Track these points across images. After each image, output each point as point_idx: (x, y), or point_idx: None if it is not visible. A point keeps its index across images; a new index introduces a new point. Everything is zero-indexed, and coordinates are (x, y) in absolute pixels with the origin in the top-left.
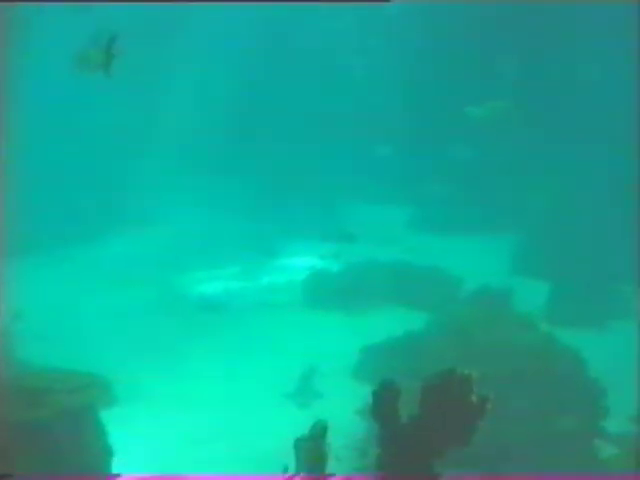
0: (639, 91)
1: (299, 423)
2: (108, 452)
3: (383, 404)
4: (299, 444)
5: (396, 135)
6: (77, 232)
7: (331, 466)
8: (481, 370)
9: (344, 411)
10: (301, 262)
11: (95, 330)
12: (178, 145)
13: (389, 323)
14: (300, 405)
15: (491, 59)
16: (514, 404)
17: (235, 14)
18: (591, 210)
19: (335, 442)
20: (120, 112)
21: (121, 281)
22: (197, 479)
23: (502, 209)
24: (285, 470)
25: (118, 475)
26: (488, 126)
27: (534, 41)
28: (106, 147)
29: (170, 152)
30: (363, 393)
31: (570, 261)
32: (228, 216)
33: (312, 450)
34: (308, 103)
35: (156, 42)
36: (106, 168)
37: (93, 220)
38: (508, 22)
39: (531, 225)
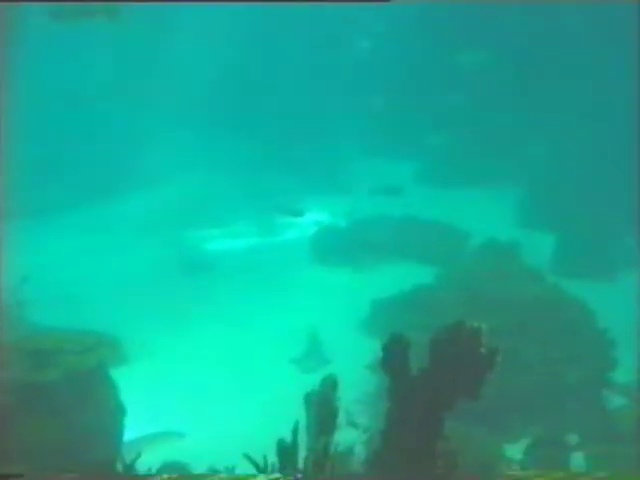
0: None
1: (307, 381)
2: (119, 411)
3: (393, 357)
4: (309, 398)
5: (392, 87)
6: (83, 194)
7: (341, 420)
8: (489, 322)
9: (354, 366)
10: (308, 218)
11: (104, 290)
12: (183, 103)
13: (398, 277)
14: (309, 363)
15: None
16: (522, 356)
17: None
18: (594, 161)
19: (345, 396)
20: (122, 70)
21: (128, 241)
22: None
23: (506, 162)
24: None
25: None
26: (481, 75)
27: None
28: (110, 107)
29: (176, 110)
30: (373, 348)
31: (575, 212)
32: (234, 174)
33: (322, 404)
34: (309, 60)
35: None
36: (110, 128)
37: (99, 181)
38: None
39: (535, 177)
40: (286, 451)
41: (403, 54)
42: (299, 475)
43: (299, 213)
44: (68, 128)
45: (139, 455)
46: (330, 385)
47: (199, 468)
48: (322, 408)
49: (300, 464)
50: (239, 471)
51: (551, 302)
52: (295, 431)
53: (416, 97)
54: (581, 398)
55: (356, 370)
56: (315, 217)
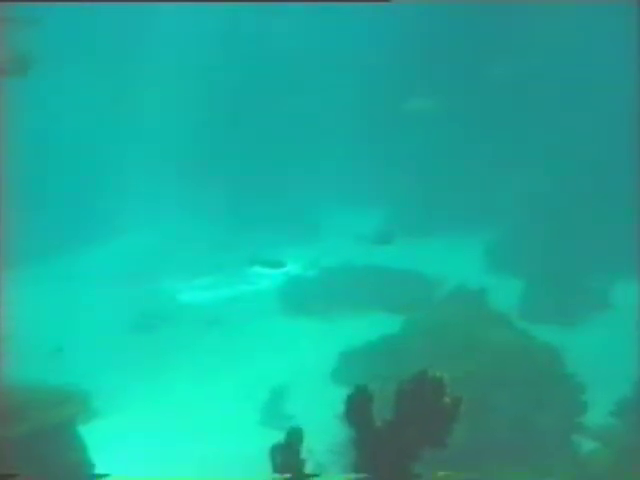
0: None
1: (275, 433)
2: (88, 465)
3: (356, 409)
4: (275, 451)
5: (356, 135)
6: (50, 245)
7: (311, 471)
8: (459, 369)
9: (325, 416)
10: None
11: (73, 343)
12: (155, 153)
13: (367, 326)
14: (278, 415)
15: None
16: (493, 402)
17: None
18: (558, 203)
19: (316, 447)
20: (90, 120)
21: (97, 292)
22: None
23: (472, 208)
24: None
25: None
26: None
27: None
28: (82, 158)
29: (148, 160)
30: (343, 398)
31: (542, 256)
32: (204, 225)
33: (288, 456)
34: (275, 112)
35: (132, 45)
36: (82, 178)
37: (68, 231)
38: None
39: (502, 223)
40: None
41: (366, 99)
42: None
43: (280, 265)
44: (36, 178)
45: None
46: (296, 436)
47: None
48: (288, 460)
49: None
50: None
51: (520, 347)
52: None
53: (381, 145)
54: (552, 443)
55: (326, 420)
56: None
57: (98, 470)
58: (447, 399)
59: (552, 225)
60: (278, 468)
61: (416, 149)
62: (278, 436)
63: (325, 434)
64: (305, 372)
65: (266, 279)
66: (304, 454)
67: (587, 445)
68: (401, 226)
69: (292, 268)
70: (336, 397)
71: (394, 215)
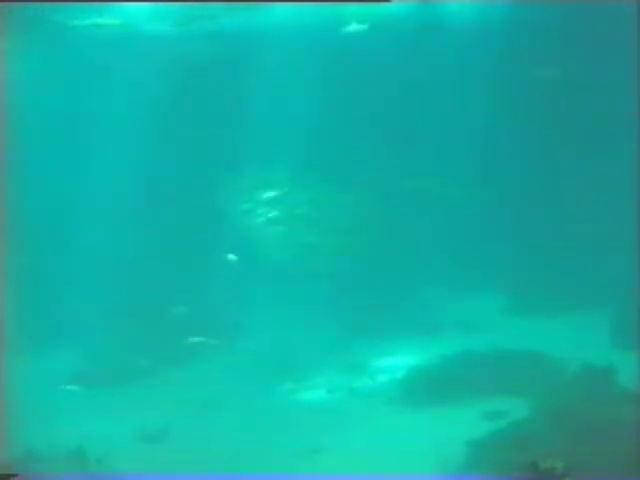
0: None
1: None
2: None
3: None
4: None
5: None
6: (168, 353)
7: None
8: (593, 451)
9: None
10: (397, 360)
11: (192, 451)
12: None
13: (492, 413)
14: None
15: None
16: None
17: None
18: None
19: None
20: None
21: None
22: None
23: (592, 285)
24: None
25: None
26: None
27: None
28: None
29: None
30: None
31: None
32: (320, 321)
33: None
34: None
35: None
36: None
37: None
38: None
39: (624, 296)
40: None
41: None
42: None
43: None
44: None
45: None
46: None
47: None
48: None
49: None
50: None
51: None
52: None
53: (492, 230)
54: None
55: None
56: (404, 358)
57: None
58: None
59: None
60: None
61: (529, 233)
62: None
63: None
64: (432, 462)
65: (386, 373)
66: None
67: None
68: (521, 307)
69: (414, 359)
70: None
71: (514, 298)
